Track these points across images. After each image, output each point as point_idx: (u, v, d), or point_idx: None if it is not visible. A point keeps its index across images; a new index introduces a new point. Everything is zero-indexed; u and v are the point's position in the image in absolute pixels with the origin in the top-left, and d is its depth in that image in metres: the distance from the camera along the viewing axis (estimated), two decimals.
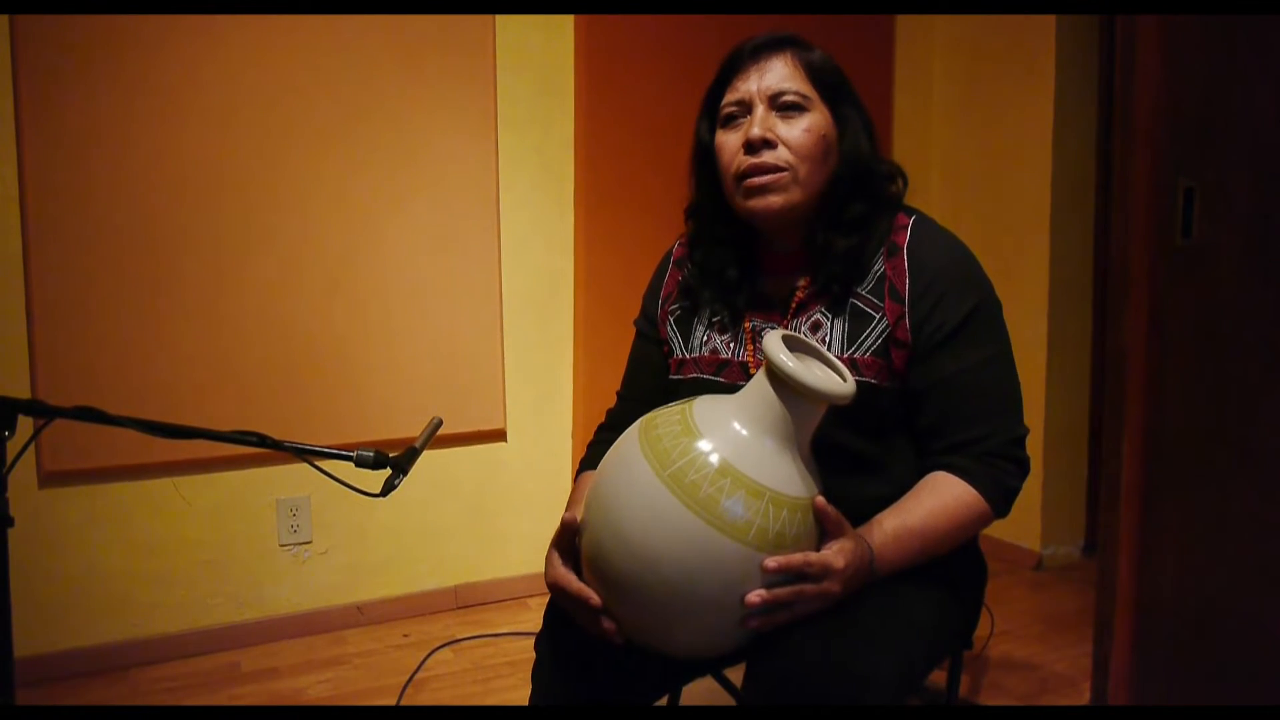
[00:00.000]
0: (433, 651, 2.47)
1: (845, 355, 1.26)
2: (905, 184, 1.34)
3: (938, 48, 3.28)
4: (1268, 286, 1.49)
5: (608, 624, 1.15)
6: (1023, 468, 1.27)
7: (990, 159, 3.11)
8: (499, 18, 2.65)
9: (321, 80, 2.47)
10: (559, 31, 2.74)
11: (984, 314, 1.26)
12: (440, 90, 2.60)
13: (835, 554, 1.11)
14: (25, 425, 1.24)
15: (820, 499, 1.12)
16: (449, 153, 2.63)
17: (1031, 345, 2.98)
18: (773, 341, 1.11)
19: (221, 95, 2.38)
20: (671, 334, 1.41)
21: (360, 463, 1.23)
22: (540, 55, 2.73)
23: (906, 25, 3.23)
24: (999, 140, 3.08)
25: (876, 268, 1.27)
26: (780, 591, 1.08)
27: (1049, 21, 2.89)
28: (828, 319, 1.28)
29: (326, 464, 1.25)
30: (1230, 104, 1.53)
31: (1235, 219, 1.53)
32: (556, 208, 2.79)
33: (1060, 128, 2.91)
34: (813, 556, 1.09)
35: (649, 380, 1.44)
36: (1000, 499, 1.25)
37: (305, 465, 1.29)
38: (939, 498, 1.22)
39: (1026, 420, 1.31)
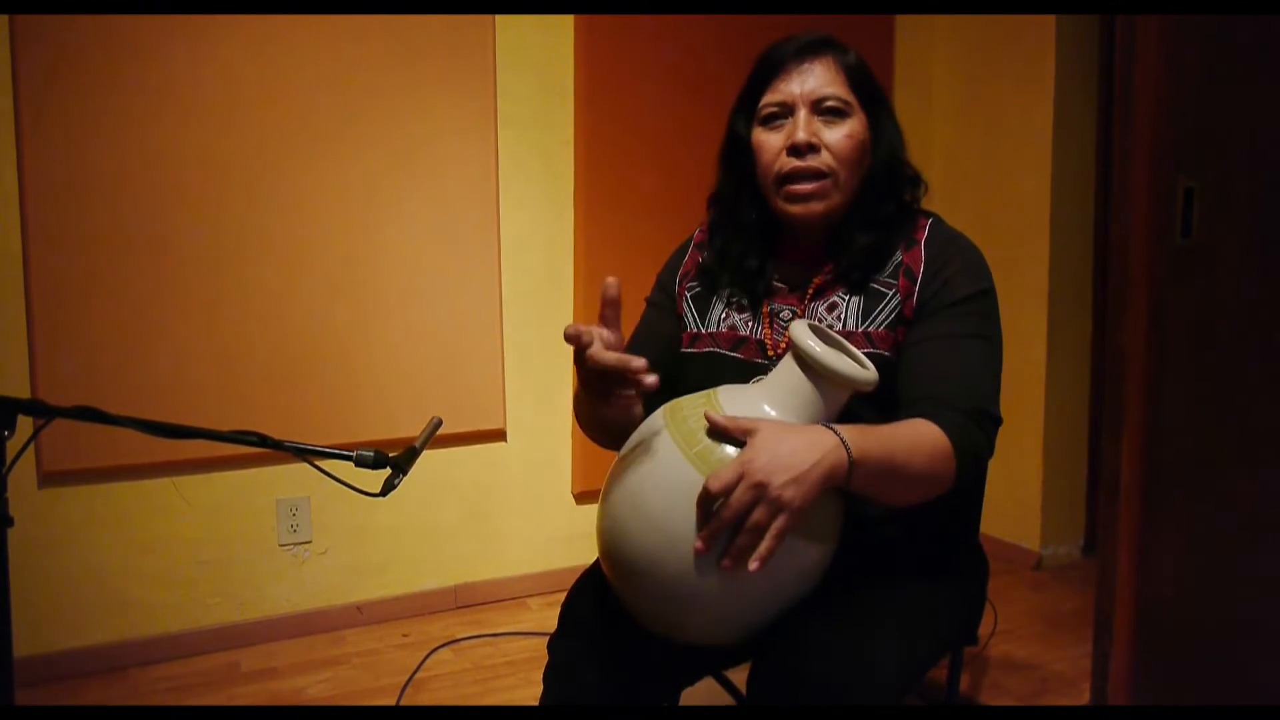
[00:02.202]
0: (432, 651, 2.47)
1: (860, 329, 1.28)
2: (925, 189, 1.38)
3: (938, 48, 3.28)
4: (1267, 286, 1.49)
5: (644, 375, 1.08)
6: (987, 436, 1.23)
7: (990, 159, 3.11)
8: (499, 17, 2.65)
9: (321, 80, 2.47)
10: (559, 31, 2.73)
11: (983, 303, 1.28)
12: (440, 90, 2.60)
13: (743, 452, 1.06)
14: (25, 425, 1.24)
15: (710, 413, 1.10)
16: (449, 152, 2.63)
17: (1031, 345, 2.98)
18: (800, 329, 1.13)
19: (221, 95, 2.37)
20: (687, 309, 1.43)
21: (360, 462, 1.23)
22: (540, 55, 2.73)
23: (906, 25, 3.22)
24: (999, 140, 3.08)
25: (896, 260, 1.31)
26: (714, 523, 1.05)
27: (1049, 21, 2.88)
28: (844, 300, 1.31)
29: (326, 464, 1.25)
30: (1230, 104, 1.53)
31: (1235, 219, 1.53)
32: (556, 207, 2.79)
33: (1060, 128, 2.91)
34: (716, 475, 1.05)
35: (657, 350, 1.41)
36: (965, 450, 1.17)
37: (305, 465, 1.29)
38: (905, 423, 1.18)
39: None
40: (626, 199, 2.79)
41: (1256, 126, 1.49)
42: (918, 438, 1.16)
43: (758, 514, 1.04)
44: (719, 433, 1.10)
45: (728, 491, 1.04)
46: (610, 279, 1.16)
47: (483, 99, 2.65)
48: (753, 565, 1.04)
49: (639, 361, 1.09)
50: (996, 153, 3.09)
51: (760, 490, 1.03)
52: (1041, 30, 2.91)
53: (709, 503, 1.05)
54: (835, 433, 1.08)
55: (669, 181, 2.77)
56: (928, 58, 3.28)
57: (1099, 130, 2.96)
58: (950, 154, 3.26)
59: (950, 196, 3.23)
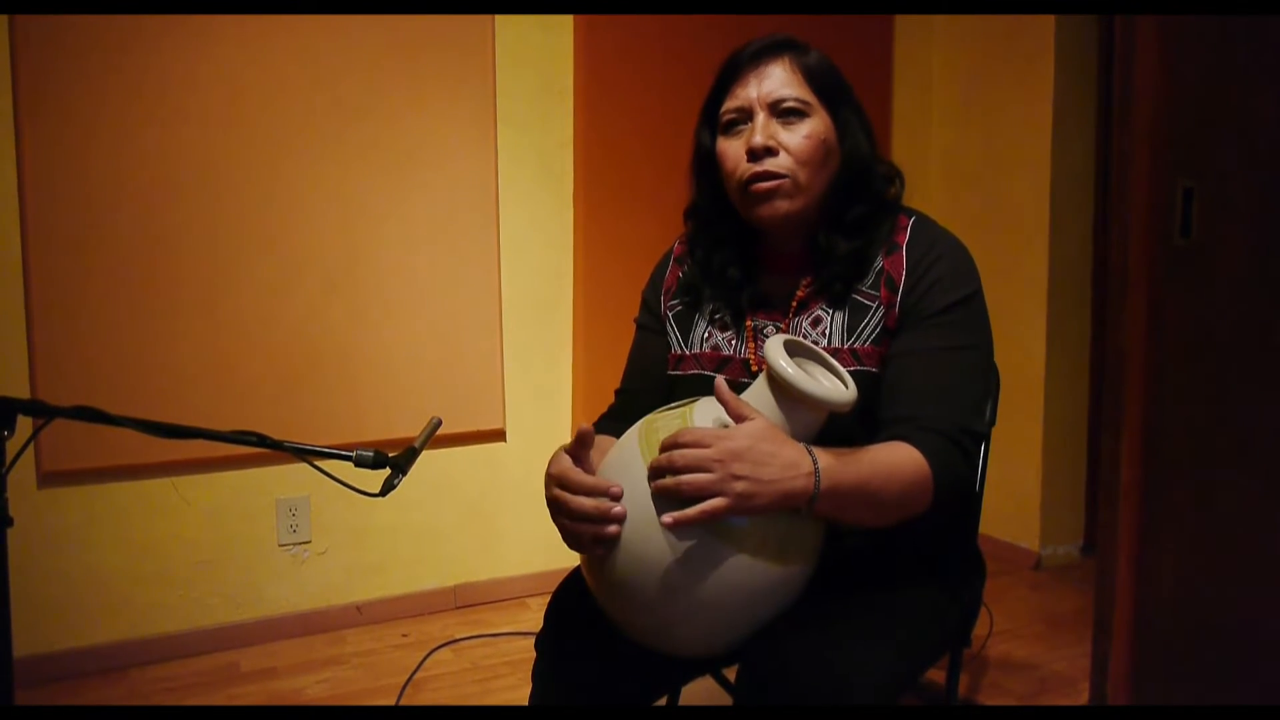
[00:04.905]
0: (432, 651, 2.47)
1: (845, 346, 1.26)
2: (902, 185, 1.35)
3: (937, 48, 3.28)
4: (1267, 286, 1.49)
5: (612, 528, 1.10)
6: (968, 459, 1.22)
7: (990, 159, 3.11)
8: (498, 17, 2.65)
9: (320, 80, 2.47)
10: (558, 31, 2.74)
11: (967, 309, 1.25)
12: (439, 89, 2.60)
13: (728, 429, 1.08)
14: (25, 425, 1.24)
15: (720, 380, 1.12)
16: (448, 152, 2.63)
17: (1031, 345, 2.98)
18: (774, 347, 1.10)
19: (220, 95, 2.37)
20: (671, 329, 1.42)
21: (359, 463, 1.23)
22: (540, 54, 2.73)
23: (906, 25, 3.23)
24: (999, 140, 3.08)
25: (876, 266, 1.28)
26: (663, 460, 1.06)
27: (1049, 21, 2.89)
28: (828, 314, 1.29)
29: (326, 464, 1.25)
30: (1230, 104, 1.53)
31: (1234, 219, 1.53)
32: (556, 207, 2.79)
33: (1060, 128, 2.91)
34: (691, 430, 1.08)
35: (653, 372, 1.43)
36: (944, 477, 1.16)
37: (304, 465, 1.29)
38: (883, 447, 1.17)
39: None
40: (626, 199, 2.79)
41: (1256, 126, 1.49)
42: (895, 464, 1.14)
43: (703, 479, 1.04)
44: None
45: (698, 446, 1.05)
46: (584, 426, 1.18)
47: (482, 99, 2.65)
48: (665, 520, 1.05)
49: (618, 509, 1.09)
50: (996, 153, 3.09)
51: (720, 466, 1.04)
52: (1041, 30, 2.91)
53: (675, 447, 1.06)
54: (814, 460, 1.08)
55: (668, 180, 2.76)
56: (927, 58, 3.28)
57: (1098, 130, 2.96)
58: (949, 154, 3.26)
59: (950, 196, 3.23)
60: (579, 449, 1.17)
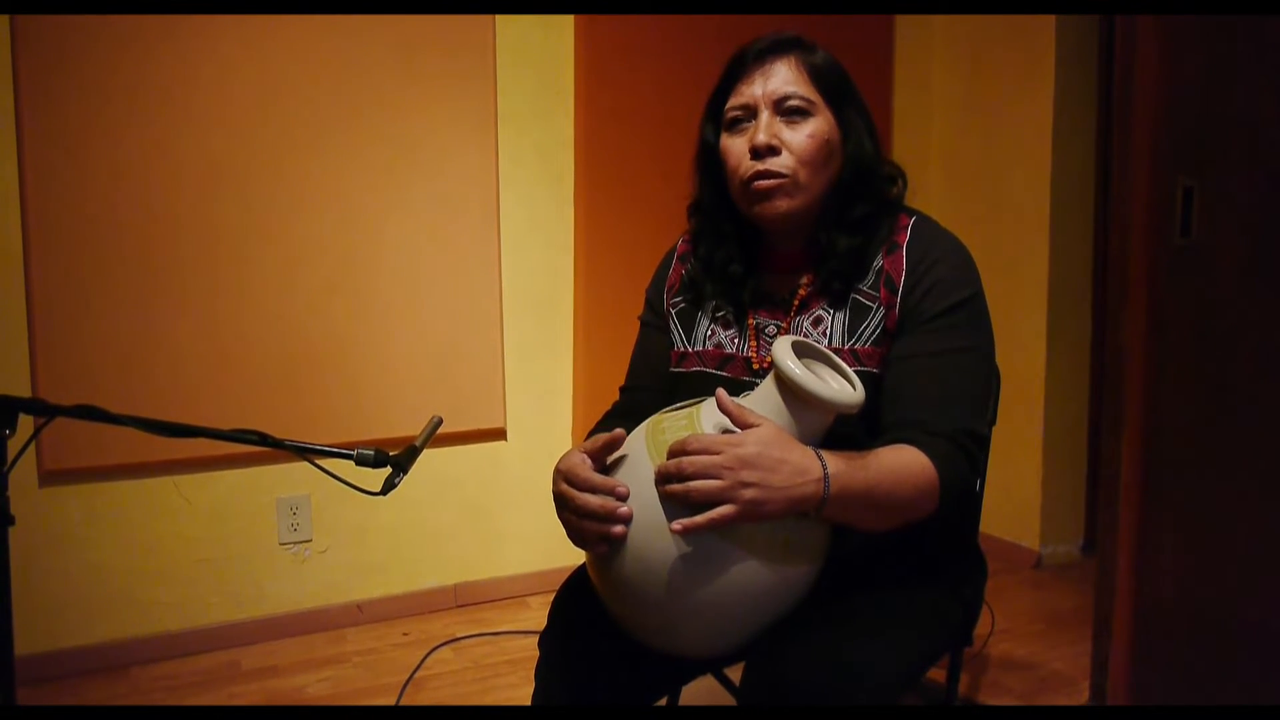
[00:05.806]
0: (432, 650, 2.47)
1: (846, 347, 1.26)
2: (905, 185, 1.35)
3: (937, 47, 3.28)
4: (1267, 286, 1.49)
5: (617, 529, 1.10)
6: (972, 462, 1.21)
7: (990, 158, 3.11)
8: (499, 17, 2.65)
9: (321, 79, 2.47)
10: (559, 30, 2.74)
11: (967, 311, 1.25)
12: (440, 88, 2.60)
13: (737, 434, 1.07)
14: (26, 424, 1.24)
15: (721, 391, 1.11)
16: (449, 151, 2.63)
17: (1031, 344, 2.98)
18: (781, 348, 1.10)
19: (220, 94, 2.38)
20: (674, 327, 1.42)
21: (360, 461, 1.23)
22: (540, 54, 2.73)
23: (906, 25, 3.22)
24: (999, 139, 3.08)
25: (876, 265, 1.28)
26: (672, 466, 1.06)
27: (1049, 21, 2.89)
28: (829, 314, 1.29)
29: (327, 462, 1.25)
30: (1230, 104, 1.53)
31: (1234, 219, 1.53)
32: (556, 206, 2.80)
33: (1060, 127, 2.91)
34: (699, 436, 1.07)
35: (657, 369, 1.44)
36: (951, 482, 1.16)
37: (305, 464, 1.29)
38: (889, 451, 1.17)
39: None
40: (626, 197, 2.79)
41: (1256, 126, 1.49)
42: (902, 469, 1.14)
43: (713, 485, 1.04)
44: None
45: (706, 453, 1.05)
46: (619, 430, 1.17)
47: (483, 98, 2.65)
48: (674, 527, 1.05)
49: (624, 509, 1.10)
50: (996, 153, 3.09)
51: (730, 473, 1.04)
52: (1041, 30, 2.91)
53: (683, 453, 1.06)
54: (823, 465, 1.08)
55: (669, 179, 2.76)
56: (927, 58, 3.28)
57: (1099, 130, 2.96)
58: (950, 154, 3.26)
59: (950, 196, 3.23)
60: (604, 452, 1.17)
